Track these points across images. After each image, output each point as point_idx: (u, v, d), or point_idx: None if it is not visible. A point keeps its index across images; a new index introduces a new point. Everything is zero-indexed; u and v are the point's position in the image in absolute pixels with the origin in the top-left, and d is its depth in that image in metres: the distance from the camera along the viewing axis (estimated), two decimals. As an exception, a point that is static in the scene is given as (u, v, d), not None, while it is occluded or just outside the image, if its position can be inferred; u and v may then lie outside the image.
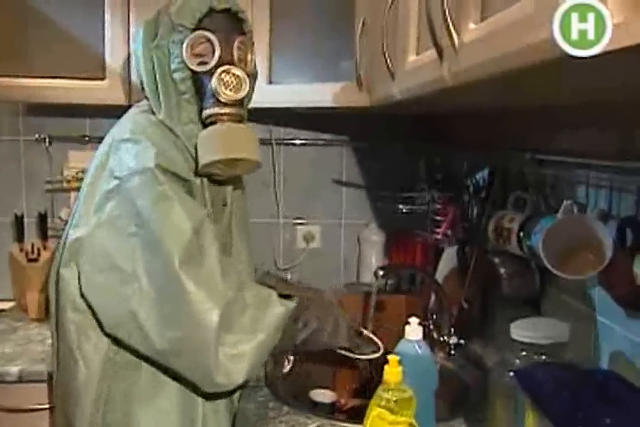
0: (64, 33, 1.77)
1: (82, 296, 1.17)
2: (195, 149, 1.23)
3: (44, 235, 2.11)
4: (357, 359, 1.34)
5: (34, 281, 1.97)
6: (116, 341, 1.17)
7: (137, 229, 1.12)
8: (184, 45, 1.22)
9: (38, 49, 1.77)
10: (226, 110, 1.23)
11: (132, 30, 1.75)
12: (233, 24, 1.26)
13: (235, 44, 1.25)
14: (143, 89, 1.29)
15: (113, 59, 1.78)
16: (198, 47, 1.23)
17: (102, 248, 1.15)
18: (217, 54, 1.22)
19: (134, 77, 1.76)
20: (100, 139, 1.30)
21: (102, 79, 1.79)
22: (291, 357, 1.42)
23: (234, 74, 1.22)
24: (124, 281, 1.12)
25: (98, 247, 1.15)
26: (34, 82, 1.77)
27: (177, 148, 1.22)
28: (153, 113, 1.26)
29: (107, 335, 1.18)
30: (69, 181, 2.11)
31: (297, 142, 2.20)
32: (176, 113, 1.24)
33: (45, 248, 2.06)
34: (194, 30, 1.22)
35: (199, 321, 1.08)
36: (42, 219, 2.11)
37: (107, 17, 1.76)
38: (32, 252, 2.04)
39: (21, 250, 2.06)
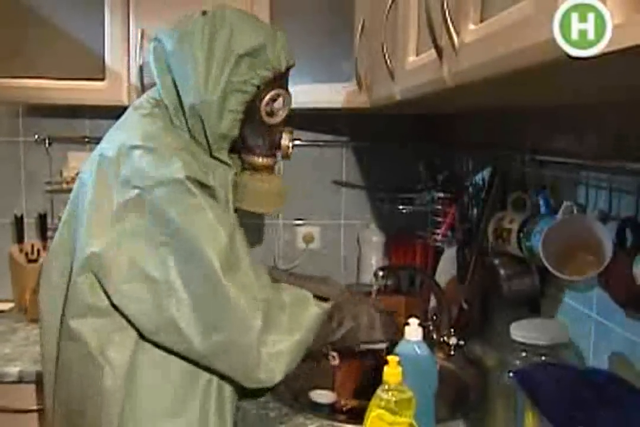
0: (64, 34, 1.77)
1: (113, 305, 1.15)
2: (234, 188, 1.32)
3: (43, 236, 2.11)
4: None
5: (34, 281, 1.97)
6: (143, 338, 1.17)
7: (168, 238, 1.12)
8: (267, 96, 1.28)
9: (38, 49, 1.77)
10: (271, 162, 1.36)
11: (132, 30, 1.75)
12: (288, 79, 1.35)
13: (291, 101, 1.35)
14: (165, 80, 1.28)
15: (113, 59, 1.78)
16: (272, 98, 1.30)
17: (130, 259, 1.13)
18: (285, 113, 1.34)
19: (133, 79, 1.76)
20: (100, 140, 1.29)
21: (102, 79, 1.79)
22: (334, 353, 1.44)
23: (291, 134, 1.36)
24: (158, 290, 1.12)
25: (126, 258, 1.13)
26: (34, 82, 1.77)
27: (194, 156, 1.22)
28: (153, 116, 1.25)
29: (138, 333, 1.17)
30: (68, 182, 2.11)
31: (297, 142, 2.19)
32: (217, 119, 1.25)
33: (45, 249, 2.06)
34: (275, 77, 1.28)
35: (244, 325, 1.12)
36: (42, 219, 2.12)
37: (107, 17, 1.76)
38: (32, 252, 2.05)
39: (21, 251, 2.06)
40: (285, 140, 1.35)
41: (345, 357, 1.47)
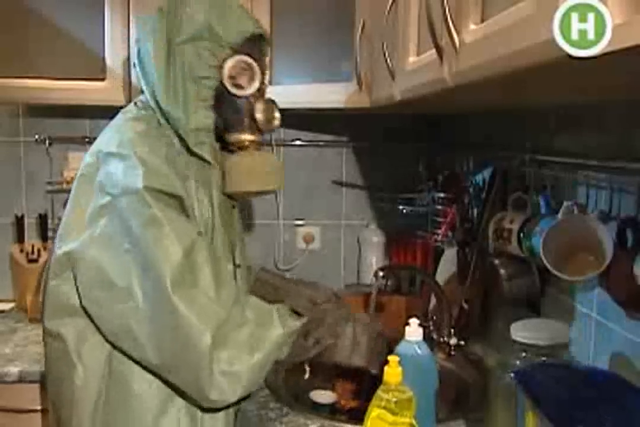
0: (64, 34, 1.77)
1: (82, 305, 1.17)
2: (223, 172, 1.26)
3: (44, 236, 2.11)
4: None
5: (34, 281, 1.97)
6: (115, 345, 1.17)
7: (130, 246, 1.11)
8: (227, 65, 1.22)
9: (38, 49, 1.77)
10: (255, 137, 1.27)
11: (132, 30, 1.75)
12: (264, 49, 1.29)
13: (265, 70, 1.28)
14: (144, 82, 1.26)
15: (113, 59, 1.78)
16: (236, 69, 1.23)
17: (96, 263, 1.13)
18: (257, 83, 1.25)
19: (134, 78, 1.76)
20: (100, 140, 1.30)
21: (102, 79, 1.79)
22: (307, 367, 1.43)
23: (270, 104, 1.28)
24: (119, 297, 1.11)
25: (92, 262, 1.14)
26: (34, 83, 1.77)
27: (167, 160, 1.18)
28: (138, 120, 1.23)
29: (107, 340, 1.17)
30: (69, 182, 2.10)
31: (298, 143, 2.20)
32: (184, 115, 1.21)
33: (45, 249, 2.06)
34: (235, 51, 1.23)
35: (191, 343, 1.08)
36: (42, 220, 2.12)
37: (107, 17, 1.76)
38: (32, 253, 2.05)
39: (21, 251, 2.06)
40: (258, 113, 1.25)
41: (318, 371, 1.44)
